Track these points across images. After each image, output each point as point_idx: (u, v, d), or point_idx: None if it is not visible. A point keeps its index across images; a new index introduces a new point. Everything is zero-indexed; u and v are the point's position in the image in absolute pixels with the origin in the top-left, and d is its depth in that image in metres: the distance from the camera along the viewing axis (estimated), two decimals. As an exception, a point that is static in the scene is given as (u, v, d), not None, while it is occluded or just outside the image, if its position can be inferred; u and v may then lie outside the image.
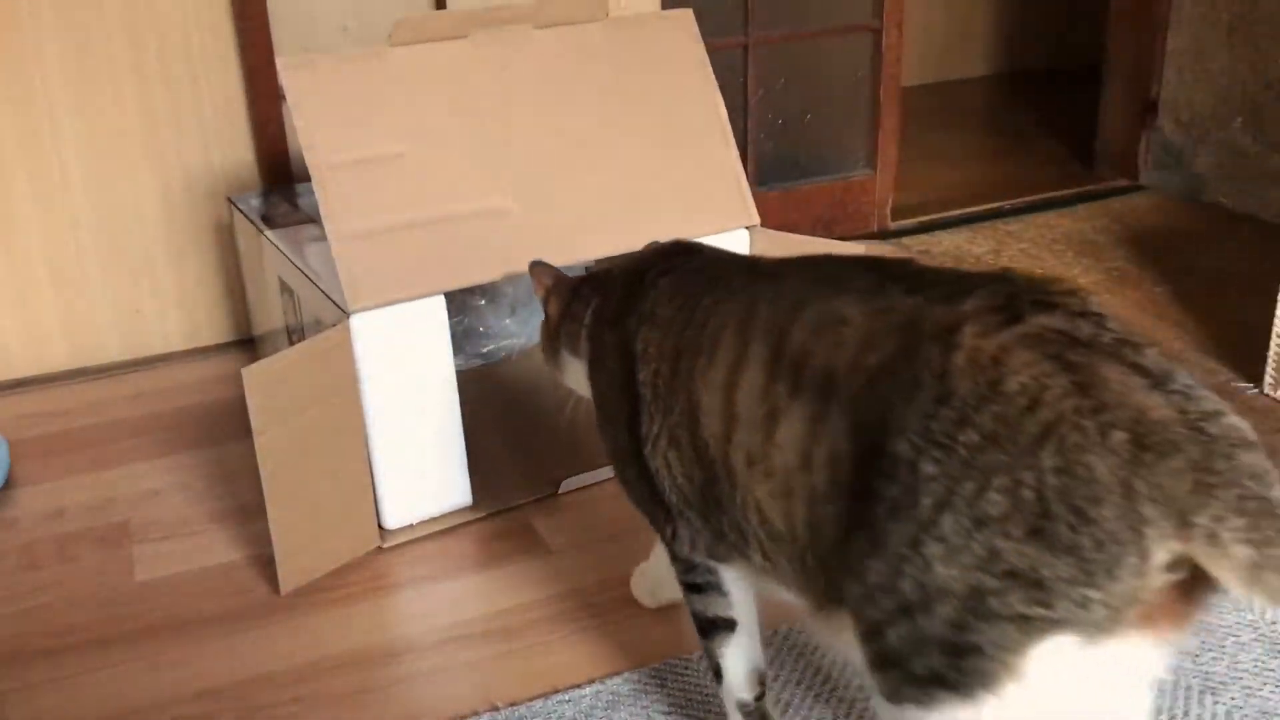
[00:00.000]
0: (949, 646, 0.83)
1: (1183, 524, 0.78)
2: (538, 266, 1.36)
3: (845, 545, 0.91)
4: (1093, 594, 0.79)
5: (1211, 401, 0.83)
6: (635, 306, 1.14)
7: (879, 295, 0.94)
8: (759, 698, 1.18)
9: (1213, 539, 0.77)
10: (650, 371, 1.09)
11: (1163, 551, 0.78)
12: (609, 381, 1.17)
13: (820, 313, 0.97)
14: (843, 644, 0.95)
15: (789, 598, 1.03)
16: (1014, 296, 0.89)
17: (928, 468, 0.84)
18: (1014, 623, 0.81)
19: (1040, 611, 0.80)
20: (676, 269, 1.16)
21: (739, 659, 1.16)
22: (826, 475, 0.92)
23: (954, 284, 0.92)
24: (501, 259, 1.59)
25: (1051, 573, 0.79)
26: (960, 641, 0.83)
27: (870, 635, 0.88)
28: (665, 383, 1.07)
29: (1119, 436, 0.80)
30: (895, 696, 0.88)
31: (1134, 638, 0.81)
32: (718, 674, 1.17)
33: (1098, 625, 0.79)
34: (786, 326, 0.98)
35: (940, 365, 0.86)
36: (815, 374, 0.94)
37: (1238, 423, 0.82)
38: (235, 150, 2.19)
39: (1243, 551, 0.76)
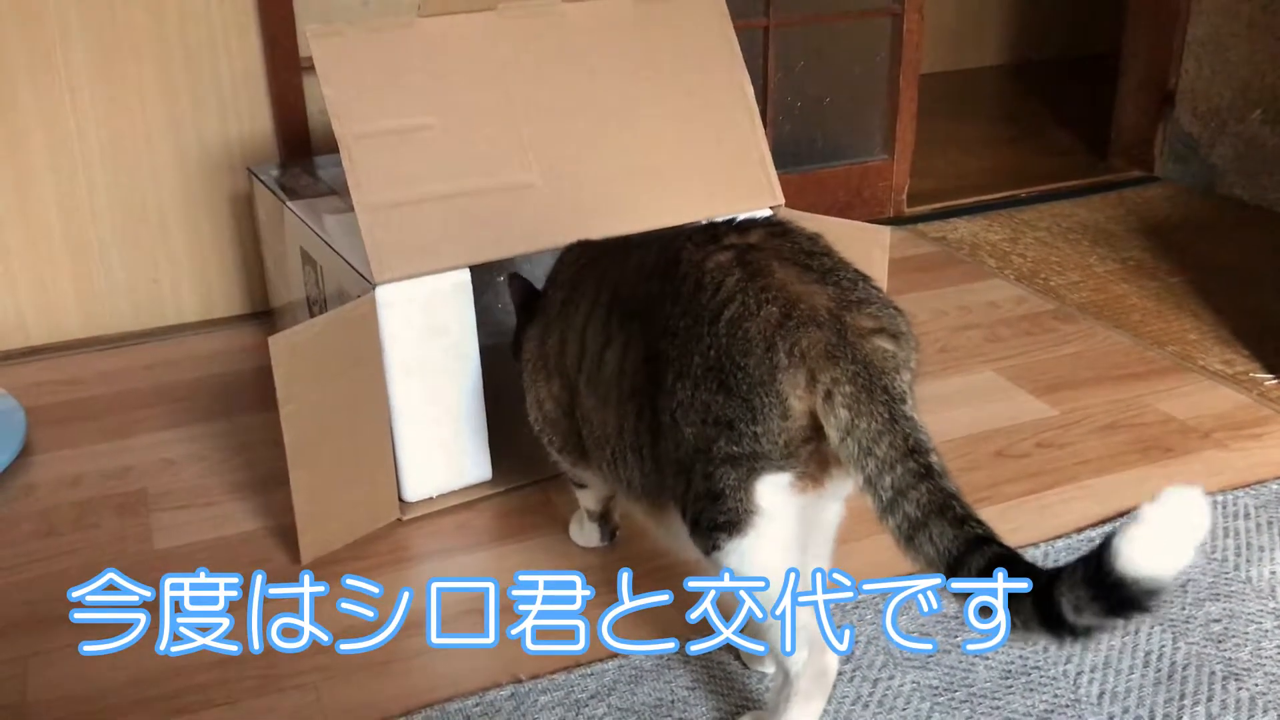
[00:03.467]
0: (710, 495, 1.07)
1: (811, 380, 1.01)
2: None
3: (651, 440, 1.14)
4: (759, 430, 1.03)
5: (864, 294, 1.07)
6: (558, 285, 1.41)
7: (668, 245, 1.19)
8: (607, 525, 1.52)
9: (828, 397, 1.00)
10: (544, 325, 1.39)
11: (794, 398, 1.02)
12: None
13: (639, 263, 1.23)
14: (676, 537, 1.17)
15: (636, 511, 1.27)
16: (723, 225, 1.16)
17: (670, 351, 1.10)
18: (730, 463, 1.05)
19: (737, 449, 1.04)
20: (584, 253, 1.42)
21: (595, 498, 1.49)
22: (630, 381, 1.17)
23: (701, 228, 1.18)
24: (527, 234, 1.58)
25: (734, 414, 1.03)
26: (713, 489, 1.06)
27: (683, 512, 1.12)
28: (560, 322, 1.34)
29: (771, 310, 1.04)
30: (705, 550, 1.10)
31: (822, 479, 1.06)
32: (578, 484, 1.47)
33: (782, 462, 1.04)
34: (621, 279, 1.25)
35: (672, 276, 1.13)
36: (629, 306, 1.20)
37: (882, 315, 1.06)
38: (254, 121, 2.18)
39: (844, 414, 0.99)
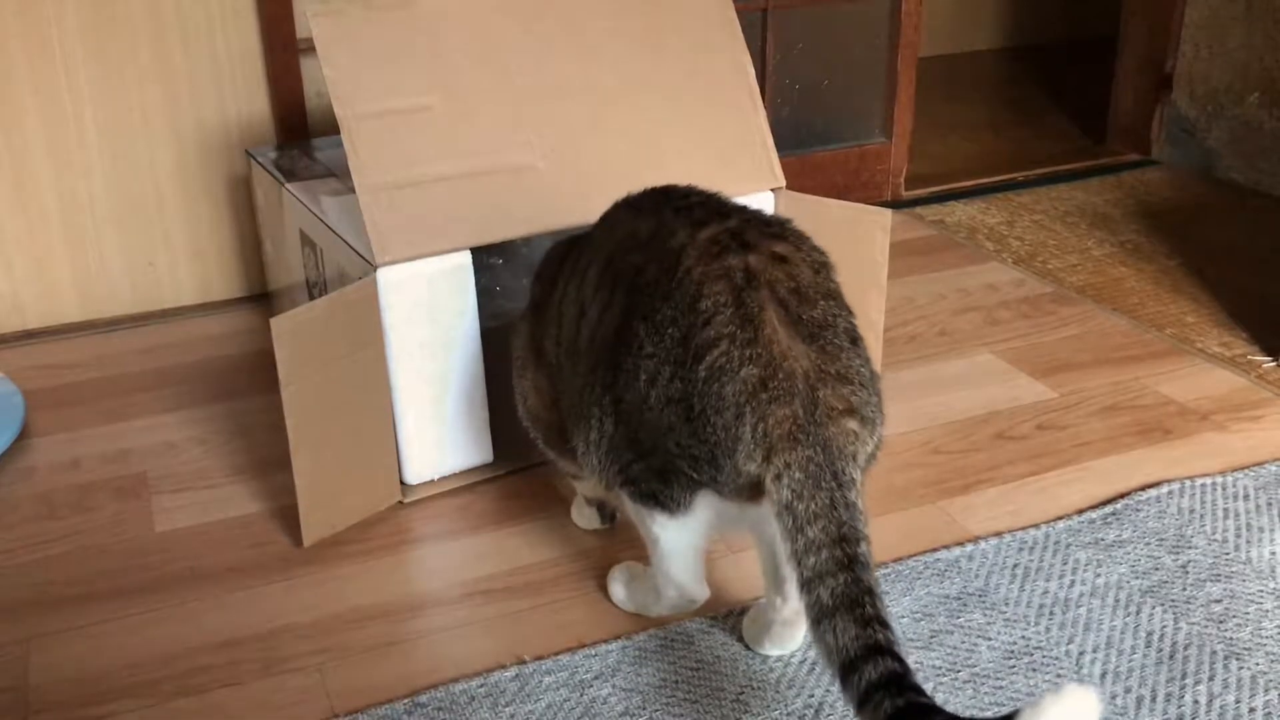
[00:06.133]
0: (661, 479, 1.15)
1: (767, 456, 1.06)
2: None
3: (614, 408, 1.17)
4: (715, 474, 1.10)
5: (845, 366, 1.10)
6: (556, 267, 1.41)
7: (664, 216, 1.20)
8: (605, 509, 1.52)
9: (778, 478, 1.05)
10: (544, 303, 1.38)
11: (750, 465, 1.07)
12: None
13: (630, 232, 1.24)
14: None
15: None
16: (733, 234, 1.15)
17: (649, 347, 1.13)
18: (685, 476, 1.13)
19: (694, 475, 1.12)
20: (567, 247, 1.42)
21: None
22: (602, 343, 1.19)
23: (706, 213, 1.19)
24: (528, 216, 1.58)
25: (697, 451, 1.10)
26: (665, 477, 1.15)
27: (623, 467, 1.19)
28: (545, 312, 1.36)
29: (751, 371, 1.07)
30: (634, 500, 1.21)
31: (753, 502, 1.10)
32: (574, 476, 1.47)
33: (724, 494, 1.12)
34: (612, 245, 1.26)
35: (670, 274, 1.13)
36: (615, 271, 1.21)
37: (855, 397, 1.09)
38: (251, 103, 2.17)
39: (787, 494, 1.04)
